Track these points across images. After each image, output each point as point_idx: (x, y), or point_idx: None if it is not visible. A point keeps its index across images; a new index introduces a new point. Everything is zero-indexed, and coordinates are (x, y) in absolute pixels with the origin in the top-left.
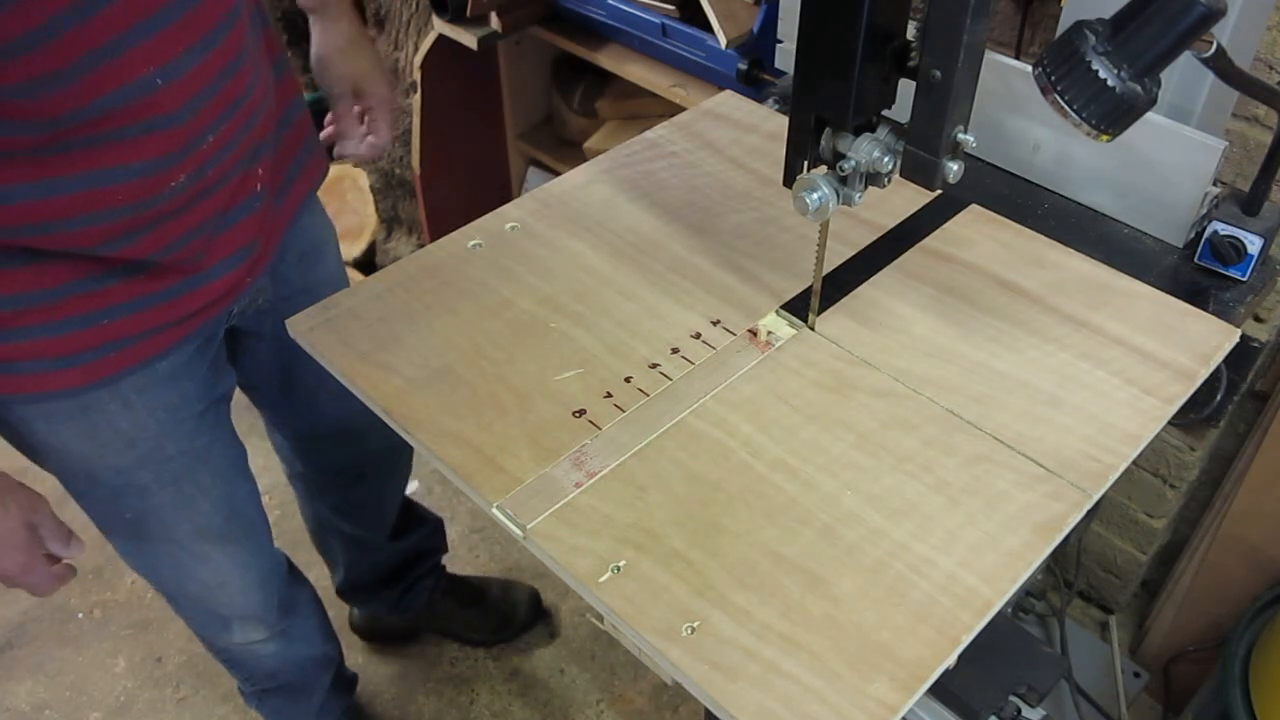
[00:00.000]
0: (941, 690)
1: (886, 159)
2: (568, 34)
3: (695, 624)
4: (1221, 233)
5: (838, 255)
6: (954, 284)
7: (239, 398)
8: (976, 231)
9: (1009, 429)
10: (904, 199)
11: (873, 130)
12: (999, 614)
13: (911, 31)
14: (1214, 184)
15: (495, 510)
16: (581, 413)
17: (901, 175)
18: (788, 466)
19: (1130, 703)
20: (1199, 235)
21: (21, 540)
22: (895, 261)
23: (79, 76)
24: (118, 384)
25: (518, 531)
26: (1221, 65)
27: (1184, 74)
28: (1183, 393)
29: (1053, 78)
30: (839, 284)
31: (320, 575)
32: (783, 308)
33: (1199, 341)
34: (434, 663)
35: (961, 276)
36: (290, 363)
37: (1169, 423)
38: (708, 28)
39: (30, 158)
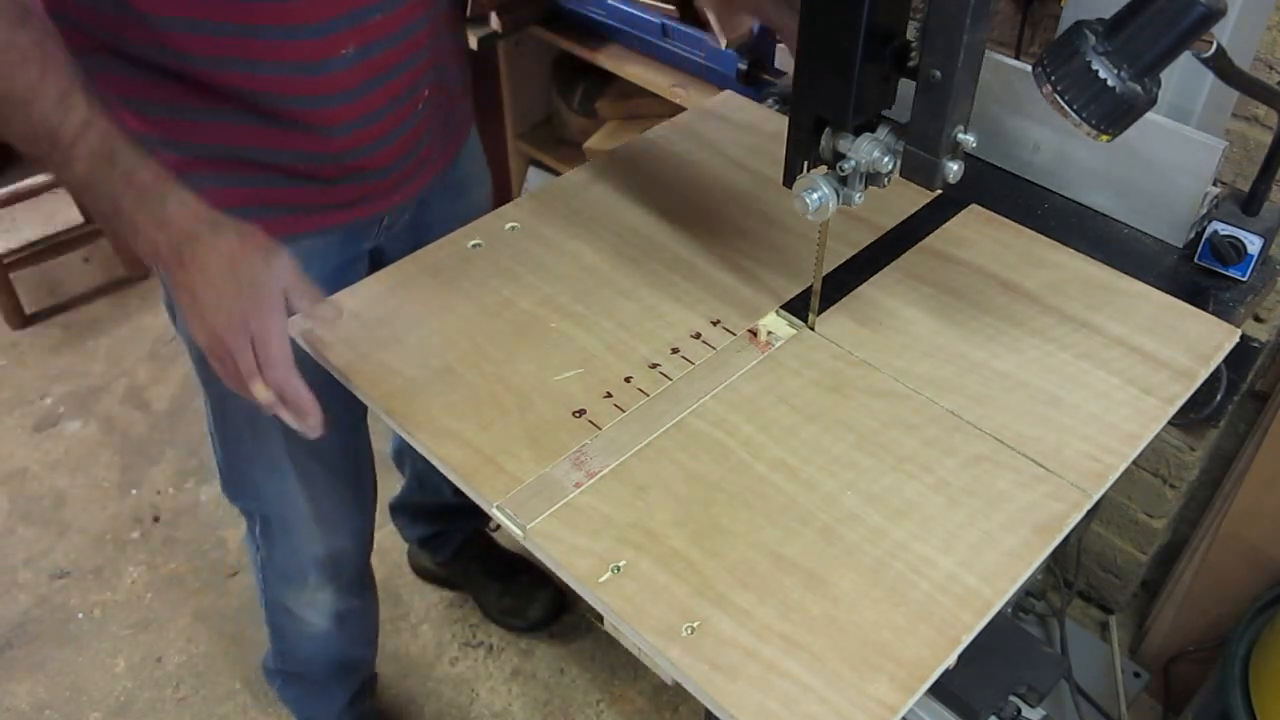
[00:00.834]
0: (941, 690)
1: (886, 159)
2: (568, 34)
3: (695, 624)
4: (1221, 233)
5: (838, 255)
6: (954, 284)
7: None
8: (976, 231)
9: (1009, 429)
10: (904, 199)
11: (873, 130)
12: (999, 614)
13: (911, 31)
14: (1214, 184)
15: (495, 510)
16: (581, 413)
17: (901, 175)
18: (788, 466)
19: (1130, 703)
20: (1199, 235)
21: (261, 274)
22: (895, 261)
23: None
24: None
25: (518, 531)
26: (1221, 65)
27: (1184, 74)
28: (1183, 393)
29: (1053, 78)
30: (839, 284)
31: None
32: (783, 308)
33: (1199, 341)
34: (434, 663)
35: (962, 276)
36: None
37: (1169, 423)
38: (707, 28)
39: None
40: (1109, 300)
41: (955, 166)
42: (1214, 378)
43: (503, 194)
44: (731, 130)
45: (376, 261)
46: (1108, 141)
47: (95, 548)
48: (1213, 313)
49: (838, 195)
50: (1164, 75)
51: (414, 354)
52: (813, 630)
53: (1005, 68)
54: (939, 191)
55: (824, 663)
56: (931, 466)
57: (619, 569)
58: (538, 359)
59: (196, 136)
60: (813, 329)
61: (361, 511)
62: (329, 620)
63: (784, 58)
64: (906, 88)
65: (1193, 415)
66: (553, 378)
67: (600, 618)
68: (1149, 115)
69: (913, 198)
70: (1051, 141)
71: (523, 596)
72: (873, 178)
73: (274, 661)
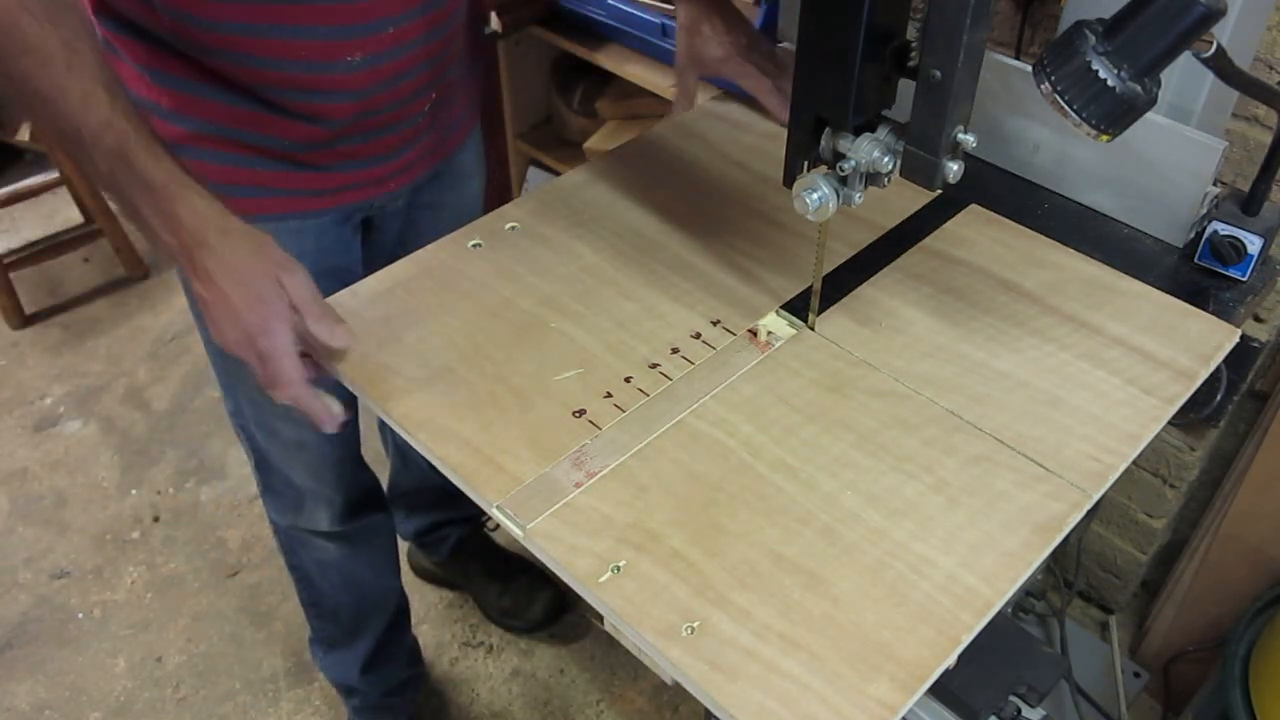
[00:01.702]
0: (941, 690)
1: (886, 159)
2: (568, 34)
3: (695, 624)
4: (1221, 233)
5: (838, 255)
6: (954, 284)
7: None
8: (976, 231)
9: (1009, 429)
10: (904, 199)
11: (873, 130)
12: (999, 614)
13: (911, 31)
14: (1214, 184)
15: (495, 510)
16: (581, 413)
17: (901, 175)
18: (787, 466)
19: (1130, 703)
20: (1199, 235)
21: (268, 292)
22: (895, 261)
23: None
24: (252, 223)
25: (518, 531)
26: (1221, 65)
27: (1184, 74)
28: (1183, 393)
29: (1053, 78)
30: (839, 284)
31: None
32: (783, 308)
33: (1199, 341)
34: (434, 662)
35: (962, 276)
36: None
37: (1169, 422)
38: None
39: None
40: (1109, 300)
41: (955, 166)
42: (1214, 378)
43: (503, 194)
44: (731, 130)
45: (368, 231)
46: (1108, 141)
47: (95, 548)
48: (1213, 313)
49: (838, 195)
50: (1164, 75)
51: (413, 354)
52: (813, 630)
53: (1005, 68)
54: (939, 191)
55: (824, 663)
56: (931, 466)
57: (619, 569)
58: (538, 359)
59: (200, 112)
60: (812, 329)
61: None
62: (338, 545)
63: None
64: (906, 88)
65: (1193, 415)
66: (553, 378)
67: (600, 618)
68: (1149, 115)
69: (913, 197)
70: (1051, 141)
71: (523, 597)
72: (873, 178)
73: (310, 627)
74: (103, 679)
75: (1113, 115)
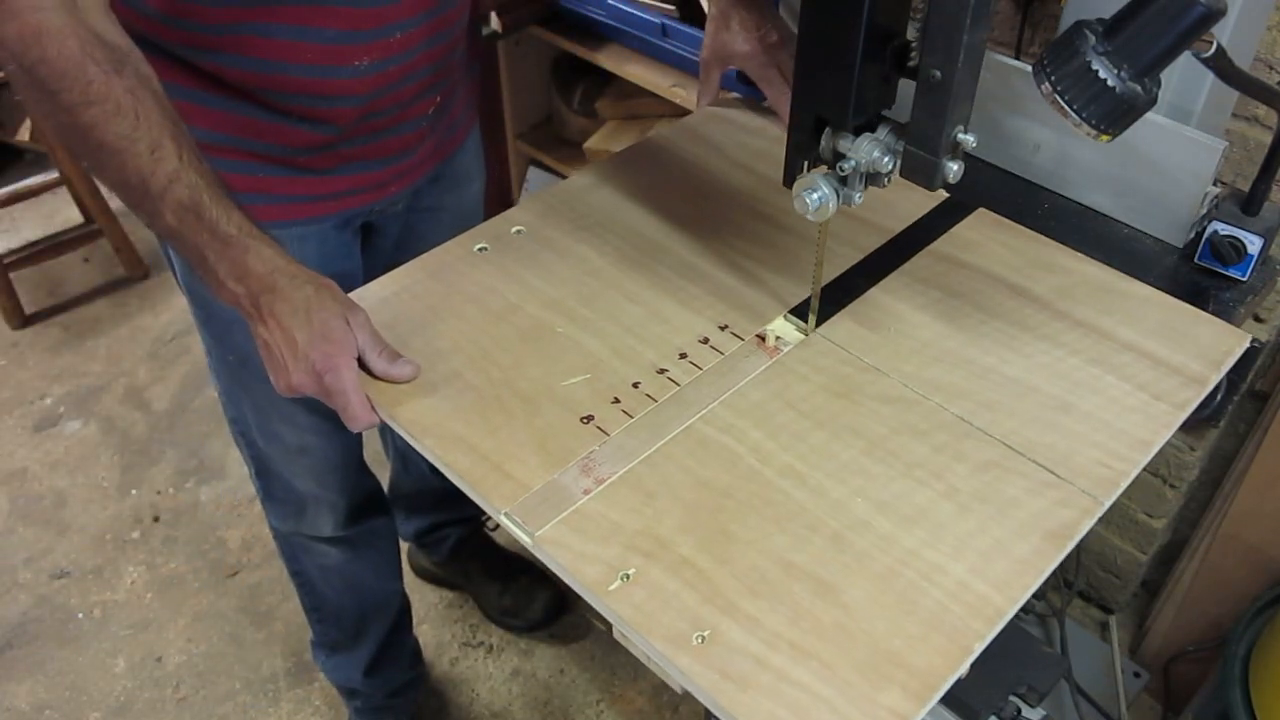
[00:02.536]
0: None
1: (886, 159)
2: (568, 34)
3: (705, 632)
4: (1221, 233)
5: (846, 259)
6: (962, 288)
7: None
8: (984, 235)
9: (1019, 435)
10: (912, 203)
11: (873, 130)
12: None
13: (911, 31)
14: (1214, 184)
15: (503, 517)
16: (589, 418)
17: (901, 175)
18: (796, 473)
19: (1130, 703)
20: (1199, 235)
21: (335, 332)
22: (903, 266)
23: None
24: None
25: (526, 538)
26: (1221, 65)
27: (1184, 74)
28: (1194, 398)
29: (1053, 78)
30: (847, 288)
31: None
32: (791, 312)
33: (1209, 347)
34: (434, 662)
35: (970, 281)
36: (396, 264)
37: None
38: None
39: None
40: (1118, 305)
41: (955, 166)
42: None
43: (503, 194)
44: (737, 133)
45: (367, 236)
46: (1108, 141)
47: (95, 548)
48: (1213, 313)
49: (838, 195)
50: (1164, 75)
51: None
52: (823, 638)
53: (1005, 68)
54: (946, 195)
55: (835, 671)
56: (941, 473)
57: (628, 577)
58: (545, 364)
59: (201, 120)
60: (813, 330)
61: (342, 433)
62: (340, 549)
63: None
64: (906, 88)
65: (1193, 415)
66: (560, 383)
67: (601, 618)
68: (1149, 115)
69: (920, 201)
70: (1051, 141)
71: (522, 596)
72: (873, 178)
73: (313, 631)
74: (103, 679)
75: (1113, 115)
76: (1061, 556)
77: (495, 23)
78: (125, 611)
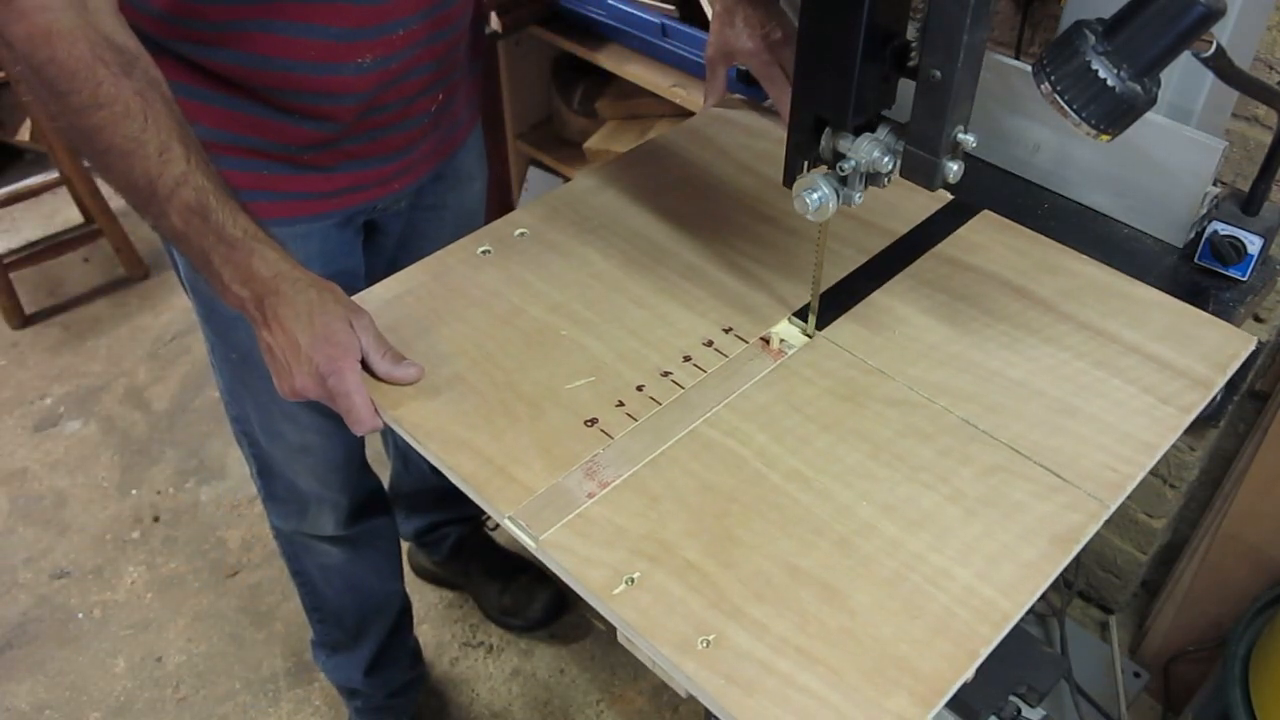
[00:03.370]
0: None
1: (886, 159)
2: (568, 34)
3: (711, 637)
4: (1221, 233)
5: (850, 262)
6: (967, 291)
7: None
8: (989, 238)
9: (1025, 438)
10: (915, 205)
11: (873, 130)
12: None
13: (911, 31)
14: (1214, 184)
15: (507, 521)
16: (593, 422)
17: (901, 175)
18: (802, 476)
19: (1130, 703)
20: (1199, 235)
21: (339, 334)
22: (908, 268)
23: None
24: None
25: (530, 542)
26: (1221, 65)
27: (1184, 74)
28: (1199, 401)
29: (1053, 78)
30: (851, 291)
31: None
32: (795, 315)
33: (1215, 349)
34: (434, 662)
35: (975, 283)
36: (397, 262)
37: None
38: (708, 27)
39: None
40: (1123, 307)
41: (955, 166)
42: None
43: (503, 194)
44: (741, 135)
45: (370, 233)
46: (1108, 141)
47: (95, 548)
48: (1212, 313)
49: (838, 195)
50: (1164, 75)
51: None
52: (829, 643)
53: (1005, 68)
54: (950, 198)
55: (841, 676)
56: (947, 477)
57: (633, 581)
58: (548, 367)
59: (202, 119)
60: (813, 332)
61: (345, 432)
62: (341, 549)
63: None
64: (906, 88)
65: None
66: (564, 386)
67: (601, 619)
68: (1149, 115)
69: (924, 203)
70: (1051, 141)
71: (522, 595)
72: (873, 178)
73: (313, 631)
74: (103, 679)
75: (1113, 115)
76: (1068, 560)
77: (495, 23)
78: (125, 611)
